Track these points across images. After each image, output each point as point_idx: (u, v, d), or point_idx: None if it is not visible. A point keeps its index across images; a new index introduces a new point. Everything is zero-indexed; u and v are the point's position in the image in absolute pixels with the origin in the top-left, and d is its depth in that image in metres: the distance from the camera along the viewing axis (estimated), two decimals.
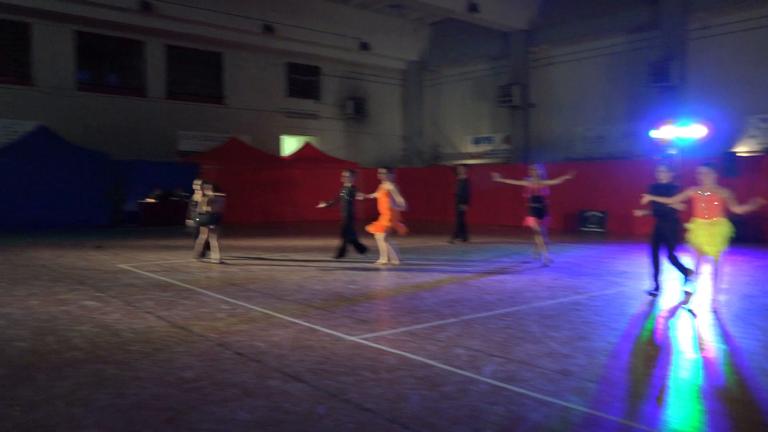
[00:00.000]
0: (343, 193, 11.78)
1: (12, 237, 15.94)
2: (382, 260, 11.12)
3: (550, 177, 11.34)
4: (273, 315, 6.83)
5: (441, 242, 15.42)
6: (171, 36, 23.72)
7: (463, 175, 15.63)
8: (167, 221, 19.95)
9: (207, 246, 11.86)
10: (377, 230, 11.10)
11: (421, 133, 30.67)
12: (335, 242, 12.37)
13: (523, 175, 11.94)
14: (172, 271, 10.23)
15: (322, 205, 12.32)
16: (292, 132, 28.25)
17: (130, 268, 10.51)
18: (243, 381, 4.53)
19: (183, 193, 20.35)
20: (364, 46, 26.83)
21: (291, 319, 6.64)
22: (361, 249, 12.14)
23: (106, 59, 23.58)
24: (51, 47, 21.71)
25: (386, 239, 11.05)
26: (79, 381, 4.50)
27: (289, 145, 28.20)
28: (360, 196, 11.80)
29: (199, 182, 11.73)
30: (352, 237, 12.00)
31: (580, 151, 23.43)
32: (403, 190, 11.09)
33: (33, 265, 10.82)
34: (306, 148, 26.42)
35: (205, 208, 11.19)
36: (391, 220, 10.92)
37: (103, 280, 9.22)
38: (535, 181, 11.18)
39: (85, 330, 6.06)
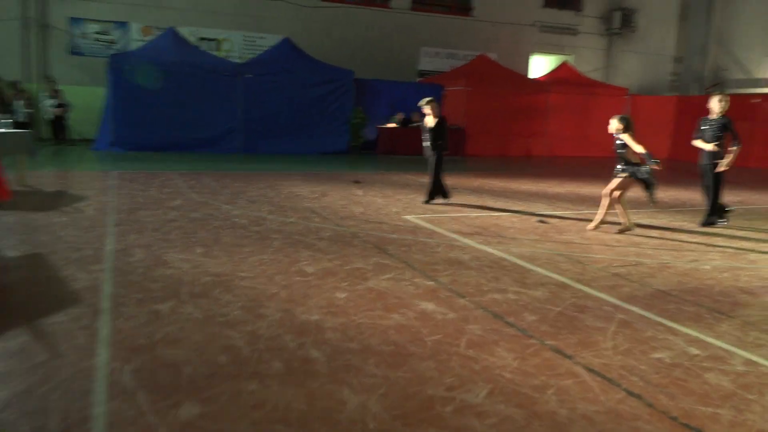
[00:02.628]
0: (711, 127, 7.72)
1: (259, 162, 14.24)
2: None
3: None
4: None
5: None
6: None
7: None
8: (407, 150, 17.17)
9: (437, 186, 9.11)
10: None
11: (704, 54, 24.54)
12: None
13: None
14: (486, 233, 7.12)
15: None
16: (544, 50, 23.98)
17: (423, 223, 7.61)
18: None
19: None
20: None
21: None
22: (726, 211, 8.27)
23: None
24: None
25: None
26: None
27: (538, 65, 24.00)
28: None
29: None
30: (716, 196, 8.07)
31: None
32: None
33: (299, 208, 8.41)
34: (562, 68, 22.04)
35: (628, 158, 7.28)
36: None
37: (405, 246, 6.33)
38: None
39: (484, 404, 2.99)
